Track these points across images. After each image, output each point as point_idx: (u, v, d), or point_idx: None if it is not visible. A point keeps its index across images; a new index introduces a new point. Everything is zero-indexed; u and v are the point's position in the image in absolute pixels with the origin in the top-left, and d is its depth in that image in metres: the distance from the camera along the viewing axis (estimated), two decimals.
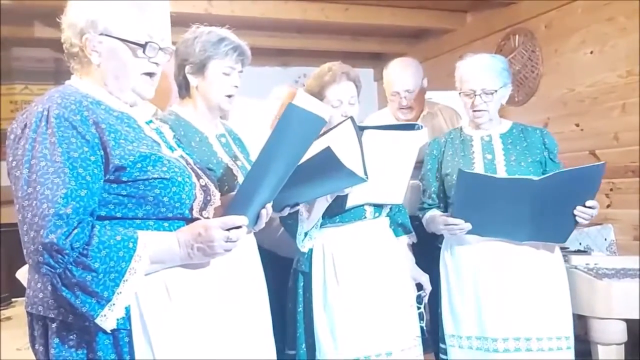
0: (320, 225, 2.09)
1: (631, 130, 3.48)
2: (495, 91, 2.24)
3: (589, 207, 2.10)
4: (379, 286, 2.07)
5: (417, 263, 2.35)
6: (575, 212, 2.10)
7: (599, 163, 2.12)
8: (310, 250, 2.09)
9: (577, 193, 2.09)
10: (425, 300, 2.31)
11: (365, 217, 2.12)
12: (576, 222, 2.14)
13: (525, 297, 2.17)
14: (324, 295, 2.05)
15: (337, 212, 2.04)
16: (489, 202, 2.09)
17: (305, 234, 2.04)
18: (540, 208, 2.07)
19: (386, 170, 2.04)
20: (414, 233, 2.37)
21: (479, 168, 2.27)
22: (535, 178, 2.09)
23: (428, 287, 2.31)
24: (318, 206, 1.98)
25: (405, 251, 2.31)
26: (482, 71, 2.26)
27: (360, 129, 1.97)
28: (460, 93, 2.31)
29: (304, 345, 2.08)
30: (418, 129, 2.09)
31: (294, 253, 2.43)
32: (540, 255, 2.22)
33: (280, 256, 2.37)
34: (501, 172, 2.24)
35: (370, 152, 1.95)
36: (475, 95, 2.25)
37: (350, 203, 2.03)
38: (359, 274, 2.05)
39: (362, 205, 2.10)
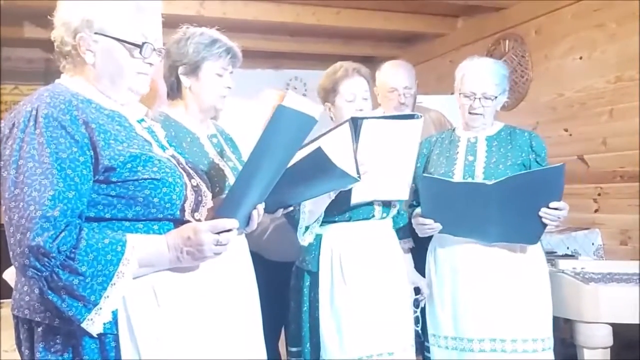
0: (330, 221, 2.09)
1: (619, 135, 3.51)
2: (495, 97, 2.25)
3: (555, 209, 2.08)
4: (384, 287, 2.09)
5: (415, 267, 2.37)
6: (540, 213, 2.08)
7: (557, 165, 2.08)
8: (318, 250, 2.10)
9: (539, 195, 2.08)
10: (422, 304, 2.33)
11: (374, 216, 2.13)
12: (545, 224, 2.11)
13: (502, 298, 2.17)
14: (331, 295, 2.06)
15: (345, 208, 2.05)
16: (452, 204, 2.13)
17: (307, 227, 2.04)
18: (502, 210, 2.08)
19: (389, 162, 2.04)
20: (411, 238, 2.38)
21: (459, 169, 2.29)
22: (489, 182, 2.11)
23: (426, 291, 2.33)
24: (320, 201, 1.98)
25: (404, 255, 2.32)
26: (486, 75, 2.25)
27: (360, 119, 1.96)
28: (460, 94, 2.30)
29: (308, 344, 2.10)
30: (417, 117, 2.09)
31: (280, 256, 2.43)
32: (519, 258, 2.21)
33: (266, 259, 2.38)
34: (479, 174, 2.25)
35: (371, 142, 1.94)
36: (475, 98, 2.25)
37: (357, 199, 2.03)
38: (366, 275, 2.07)
39: (372, 204, 2.11)
